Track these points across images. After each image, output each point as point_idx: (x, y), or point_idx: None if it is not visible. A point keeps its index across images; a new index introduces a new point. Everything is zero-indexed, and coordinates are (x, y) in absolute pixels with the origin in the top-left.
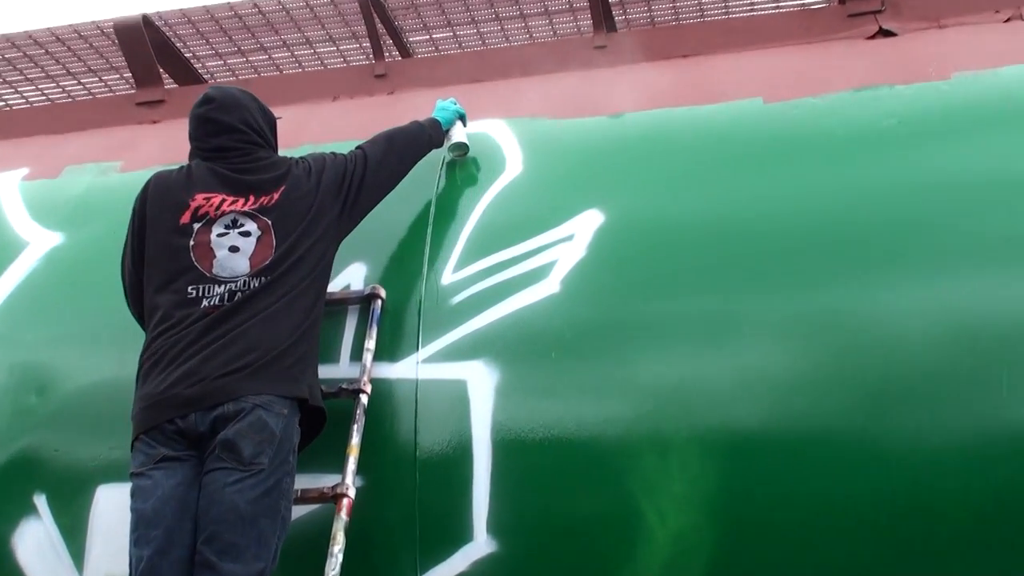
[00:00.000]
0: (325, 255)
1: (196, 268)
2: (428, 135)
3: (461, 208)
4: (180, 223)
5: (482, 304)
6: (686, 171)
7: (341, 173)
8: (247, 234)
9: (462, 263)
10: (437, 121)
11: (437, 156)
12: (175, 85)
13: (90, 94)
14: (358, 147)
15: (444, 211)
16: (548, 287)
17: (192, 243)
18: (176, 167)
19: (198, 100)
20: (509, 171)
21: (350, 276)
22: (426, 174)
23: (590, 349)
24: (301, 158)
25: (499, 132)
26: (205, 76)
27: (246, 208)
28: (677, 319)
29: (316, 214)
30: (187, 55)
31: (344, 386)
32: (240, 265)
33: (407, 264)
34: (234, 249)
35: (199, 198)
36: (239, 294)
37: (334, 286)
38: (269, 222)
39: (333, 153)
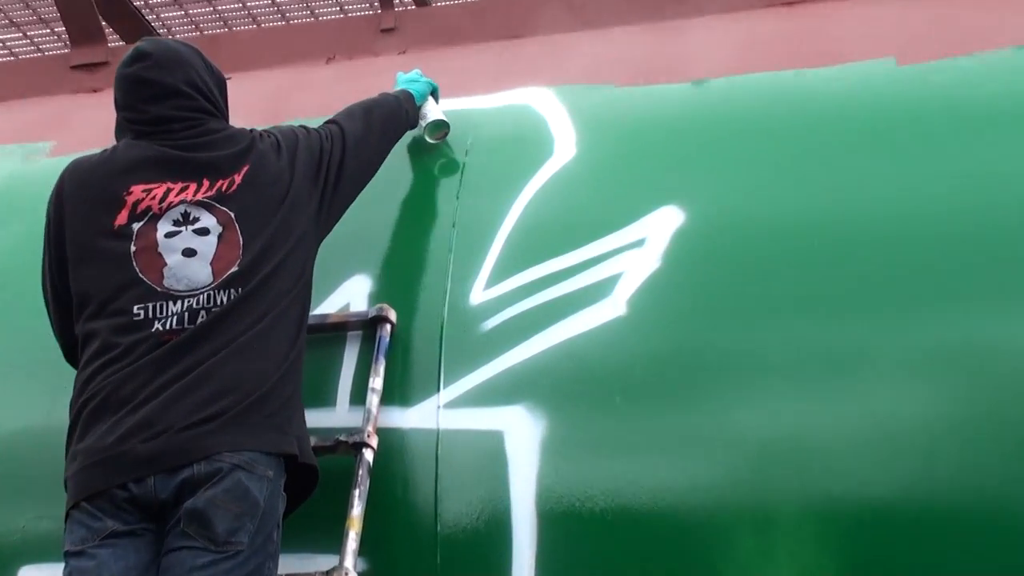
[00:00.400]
0: (307, 261)
1: (142, 281)
2: (405, 111)
3: (495, 205)
4: (115, 224)
5: (523, 331)
6: (792, 156)
7: (317, 153)
8: (204, 231)
9: (496, 277)
10: (410, 94)
11: (460, 136)
12: (121, 43)
13: (12, 55)
14: (329, 121)
15: (472, 208)
16: (611, 308)
17: (133, 248)
18: (99, 151)
19: (126, 57)
20: (558, 156)
21: (349, 293)
22: (445, 159)
23: (667, 391)
24: (264, 131)
25: (545, 103)
26: (160, 31)
27: (200, 197)
28: (782, 352)
29: (293, 204)
30: (137, 3)
31: (343, 438)
32: (199, 273)
33: (424, 277)
34: (189, 252)
35: (136, 190)
36: (203, 313)
37: (328, 305)
38: (231, 214)
39: (303, 127)
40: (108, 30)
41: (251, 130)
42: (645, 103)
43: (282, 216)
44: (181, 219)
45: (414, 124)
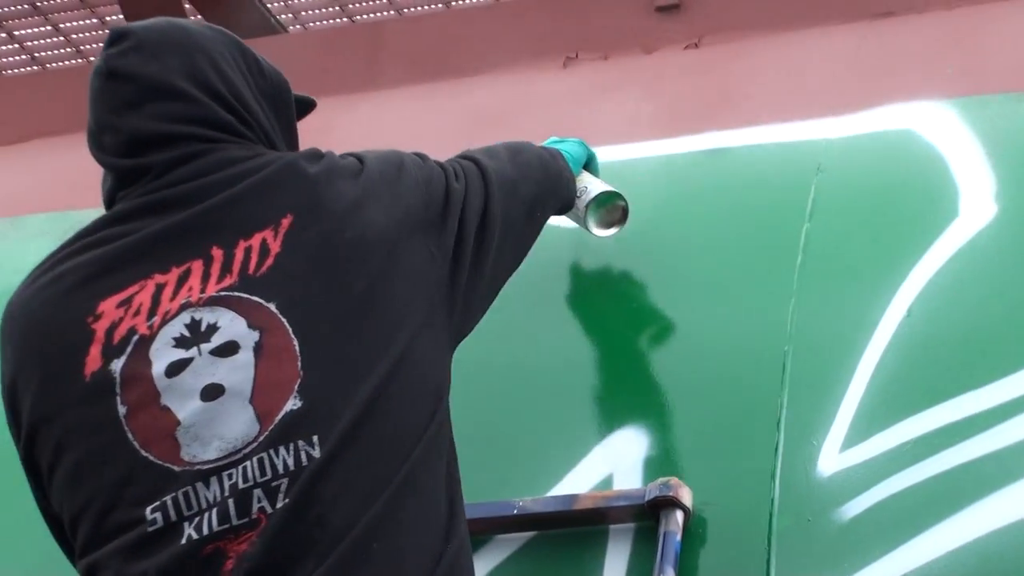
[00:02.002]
0: (440, 375)
1: (148, 462)
2: (560, 170)
3: (855, 307)
4: (85, 375)
5: (910, 521)
6: None
7: (442, 194)
8: (229, 348)
9: (859, 431)
10: (559, 152)
11: (795, 188)
12: None
13: None
14: (461, 156)
15: (817, 312)
16: None
17: (123, 409)
18: (40, 265)
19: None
20: (967, 218)
21: (611, 457)
22: (771, 226)
23: None
24: (333, 154)
25: (939, 128)
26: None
27: (213, 290)
28: None
29: (396, 271)
30: None
31: None
32: (237, 422)
33: (737, 431)
34: (213, 392)
35: (108, 306)
36: (259, 495)
37: (574, 480)
38: (270, 306)
39: (416, 153)
40: None
41: (314, 151)
42: None
43: (376, 293)
44: (188, 335)
45: (570, 199)
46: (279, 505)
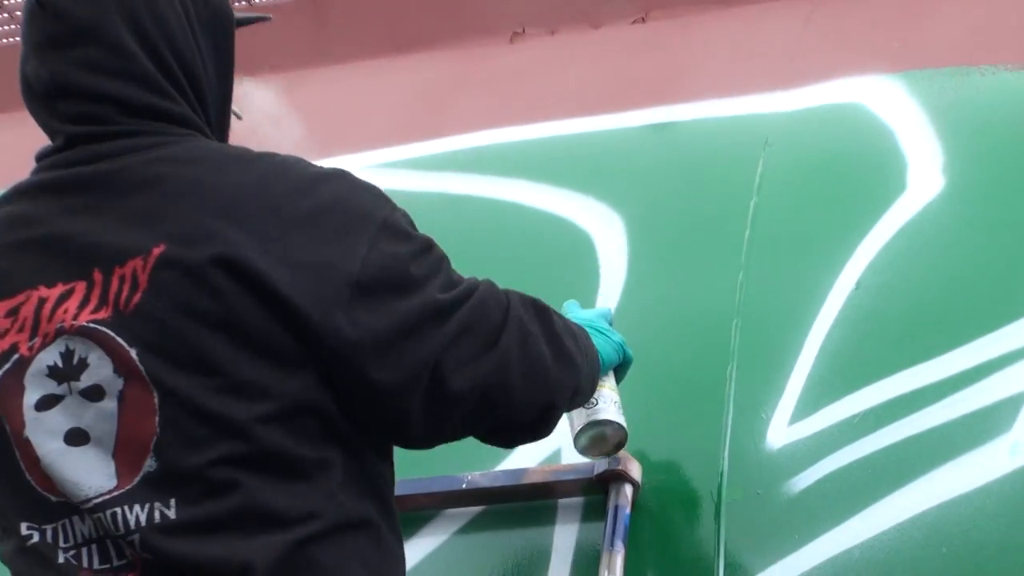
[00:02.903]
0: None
1: (29, 485)
2: (592, 357)
3: (804, 280)
4: None
5: (860, 495)
6: None
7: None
8: (96, 391)
9: (808, 403)
10: (593, 343)
11: (745, 163)
12: None
13: None
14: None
15: (765, 286)
16: (1010, 454)
17: (8, 426)
18: None
19: None
20: (915, 192)
21: (559, 431)
22: (723, 199)
23: None
24: (275, 157)
25: (888, 102)
26: None
27: (85, 318)
28: None
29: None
30: None
31: None
32: (93, 474)
33: (686, 404)
34: (76, 438)
35: None
36: (131, 547)
37: (524, 455)
38: (132, 351)
39: (392, 220)
40: None
41: (228, 156)
42: None
43: (240, 355)
44: (61, 367)
45: (588, 394)
46: (145, 555)
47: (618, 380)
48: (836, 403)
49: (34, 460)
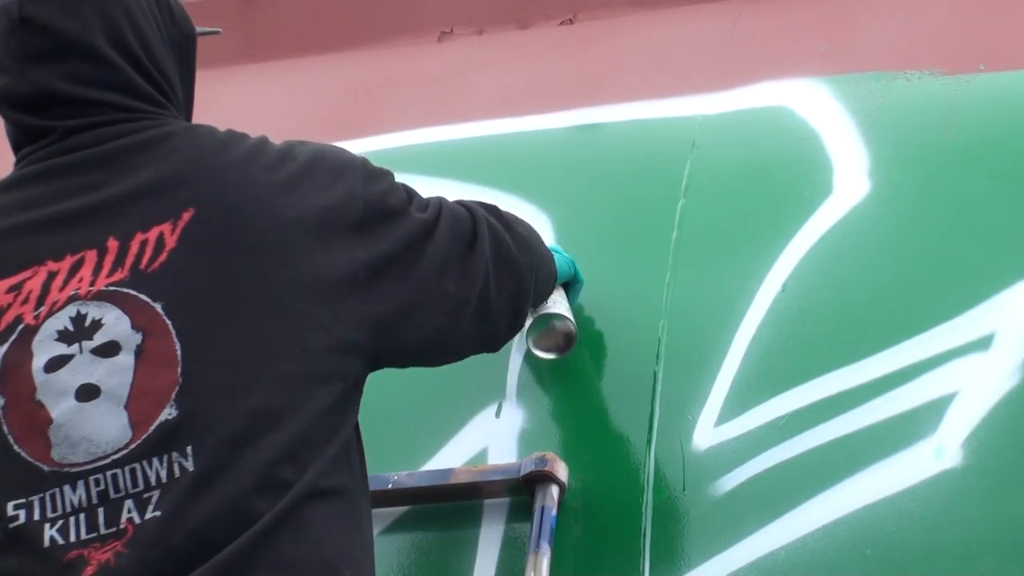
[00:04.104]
0: (342, 397)
1: (19, 458)
2: (547, 254)
3: (730, 282)
4: None
5: (785, 496)
6: None
7: (383, 209)
8: (110, 349)
9: (735, 405)
10: (549, 250)
11: (671, 167)
12: None
13: None
14: (477, 204)
15: (692, 288)
16: (935, 457)
17: (2, 401)
18: None
19: None
20: (841, 195)
21: (485, 431)
22: (650, 204)
23: None
24: (255, 137)
25: (814, 105)
26: None
27: (102, 283)
28: None
29: (302, 286)
30: None
31: None
32: (107, 427)
33: (612, 406)
34: (88, 392)
35: None
36: (129, 506)
37: (450, 454)
38: (156, 306)
39: (366, 163)
40: None
41: (223, 139)
42: (996, 103)
43: (272, 299)
44: (72, 330)
45: (543, 297)
46: (147, 516)
47: (570, 302)
48: (762, 405)
49: (41, 423)
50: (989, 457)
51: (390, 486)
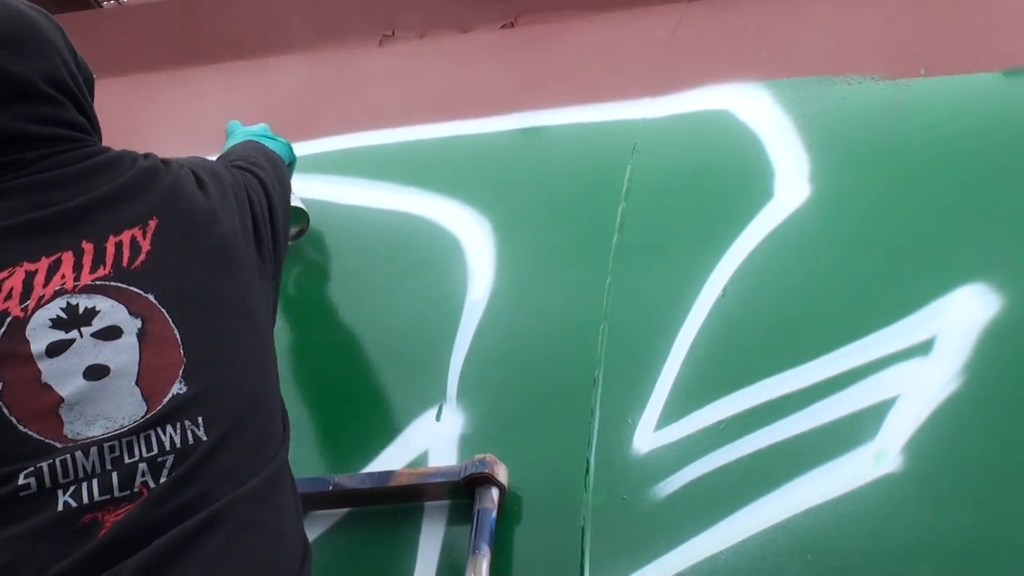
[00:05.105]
0: (273, 363)
1: (27, 436)
2: (280, 161)
3: (670, 287)
4: None
5: (725, 500)
6: None
7: (245, 203)
8: (112, 332)
9: (675, 409)
10: (278, 154)
11: (612, 170)
12: None
13: None
14: (234, 164)
15: (633, 291)
16: (874, 462)
17: (0, 386)
18: None
19: None
20: (781, 199)
21: (425, 434)
22: (591, 208)
23: None
24: (170, 161)
25: (755, 109)
26: None
27: (89, 279)
28: None
29: (239, 266)
30: None
31: None
32: (124, 402)
33: (553, 409)
34: (97, 372)
35: None
36: (143, 470)
37: (391, 457)
38: (149, 296)
39: (228, 165)
40: None
41: (152, 157)
42: (936, 107)
43: (237, 289)
44: (66, 318)
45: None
46: (163, 480)
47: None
48: (702, 409)
49: (50, 403)
50: (929, 462)
51: (331, 488)
